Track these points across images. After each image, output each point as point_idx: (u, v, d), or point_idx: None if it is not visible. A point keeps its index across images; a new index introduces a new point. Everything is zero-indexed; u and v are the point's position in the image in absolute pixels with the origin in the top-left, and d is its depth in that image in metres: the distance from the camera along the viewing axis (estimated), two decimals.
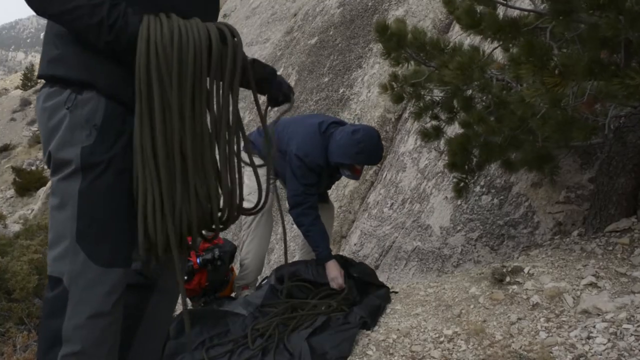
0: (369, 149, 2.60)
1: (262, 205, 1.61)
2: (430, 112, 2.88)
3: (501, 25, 1.90)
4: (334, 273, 2.58)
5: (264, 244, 2.88)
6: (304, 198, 2.65)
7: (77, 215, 1.29)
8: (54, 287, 1.32)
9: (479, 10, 2.05)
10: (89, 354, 1.30)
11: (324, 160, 2.66)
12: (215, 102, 1.38)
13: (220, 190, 1.41)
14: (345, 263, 2.72)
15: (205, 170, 1.36)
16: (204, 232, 1.45)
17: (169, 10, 1.31)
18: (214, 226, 1.43)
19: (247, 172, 2.98)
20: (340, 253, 4.54)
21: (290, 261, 2.63)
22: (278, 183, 3.17)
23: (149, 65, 1.24)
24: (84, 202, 1.29)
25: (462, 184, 2.89)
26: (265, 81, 1.71)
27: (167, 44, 1.25)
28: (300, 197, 2.65)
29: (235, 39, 1.37)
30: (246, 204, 2.97)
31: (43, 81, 1.39)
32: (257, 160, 2.95)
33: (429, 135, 2.94)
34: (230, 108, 1.40)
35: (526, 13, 2.17)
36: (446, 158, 2.88)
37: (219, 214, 1.43)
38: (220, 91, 1.36)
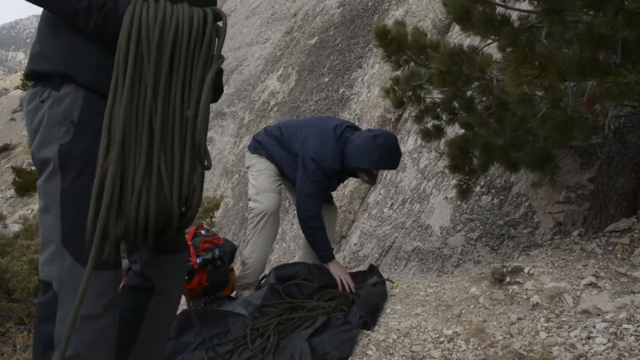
0: (389, 154, 2.65)
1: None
2: (431, 113, 2.89)
3: (490, 18, 1.90)
4: (338, 272, 2.62)
5: (269, 244, 2.88)
6: (315, 201, 2.68)
7: (61, 218, 1.27)
8: (45, 292, 1.30)
9: (477, 10, 2.05)
10: (83, 357, 1.28)
11: (340, 165, 2.68)
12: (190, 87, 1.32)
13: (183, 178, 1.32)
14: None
15: (173, 150, 1.30)
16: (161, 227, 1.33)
17: None
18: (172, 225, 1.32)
19: (254, 173, 2.98)
20: (341, 253, 4.55)
21: (290, 261, 2.65)
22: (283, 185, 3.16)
23: (130, 39, 1.22)
24: (67, 203, 1.27)
25: (464, 186, 2.89)
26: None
27: (151, 21, 1.24)
28: (313, 200, 2.68)
29: (221, 22, 1.35)
30: (252, 204, 2.98)
31: (30, 80, 1.38)
32: (263, 162, 2.95)
33: (430, 135, 2.95)
34: (204, 92, 1.33)
35: (526, 14, 2.17)
36: (446, 159, 2.88)
37: (179, 205, 1.32)
38: (196, 71, 1.31)
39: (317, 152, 2.65)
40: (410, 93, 2.76)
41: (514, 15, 2.17)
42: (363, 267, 3.96)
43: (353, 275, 2.76)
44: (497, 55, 2.65)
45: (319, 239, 2.71)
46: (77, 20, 1.24)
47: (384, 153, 2.61)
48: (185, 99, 1.30)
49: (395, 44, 2.49)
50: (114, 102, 1.22)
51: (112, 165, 1.20)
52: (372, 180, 2.82)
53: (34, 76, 1.33)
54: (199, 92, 1.31)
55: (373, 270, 2.75)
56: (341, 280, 2.61)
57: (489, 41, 2.14)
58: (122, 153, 1.22)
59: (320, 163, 2.64)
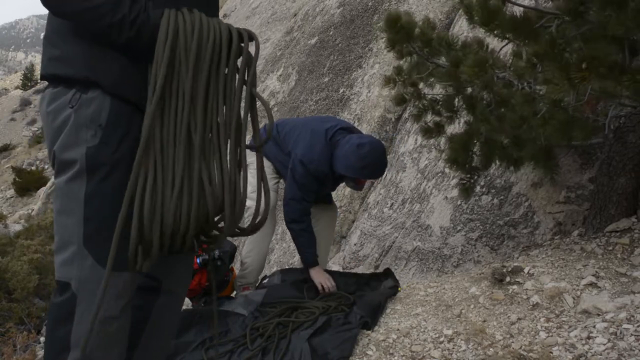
0: (373, 165, 2.59)
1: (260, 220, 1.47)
2: (432, 110, 2.87)
3: (516, 23, 1.88)
4: (319, 278, 2.60)
5: (266, 242, 2.89)
6: (299, 204, 2.67)
7: (84, 219, 1.26)
8: (62, 292, 1.29)
9: (491, 5, 2.03)
10: (96, 359, 1.29)
11: (329, 168, 2.66)
12: (227, 99, 1.34)
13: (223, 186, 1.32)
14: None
15: (213, 161, 1.30)
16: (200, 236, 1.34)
17: (175, 6, 1.30)
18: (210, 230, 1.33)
19: (252, 171, 2.98)
20: (341, 253, 4.55)
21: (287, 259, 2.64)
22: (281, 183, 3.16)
23: (166, 51, 1.23)
24: (91, 205, 1.26)
25: (467, 184, 2.88)
26: None
27: (188, 32, 1.25)
28: (296, 204, 2.66)
29: (254, 41, 1.37)
30: (249, 202, 2.98)
31: (44, 81, 1.37)
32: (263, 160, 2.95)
33: (430, 131, 2.92)
34: (242, 105, 1.36)
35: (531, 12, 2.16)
36: (446, 153, 2.86)
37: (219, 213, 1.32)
38: (232, 85, 1.33)
39: (305, 155, 2.63)
40: (412, 89, 2.75)
41: (518, 13, 2.17)
42: (363, 269, 3.96)
43: (367, 278, 2.72)
44: (496, 50, 2.64)
45: (299, 242, 2.69)
46: (110, 33, 1.24)
47: (368, 163, 2.55)
48: (225, 111, 1.31)
49: (404, 32, 2.47)
50: (152, 115, 1.22)
51: (150, 169, 1.21)
52: (358, 187, 2.80)
53: (54, 79, 1.33)
54: (238, 106, 1.33)
55: (389, 274, 2.73)
56: (322, 287, 2.57)
57: (504, 42, 2.13)
58: (161, 160, 1.23)
59: (308, 165, 2.62)
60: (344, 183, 2.96)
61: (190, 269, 1.67)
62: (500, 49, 2.28)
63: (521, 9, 2.11)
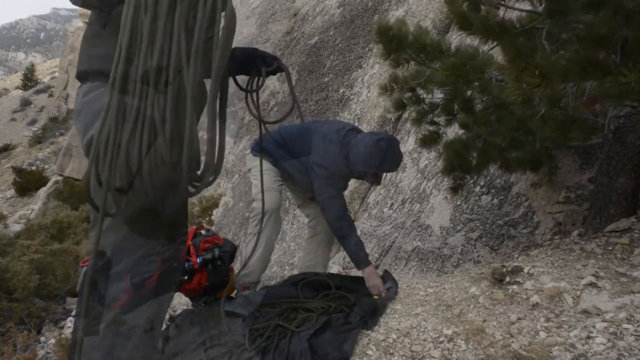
0: (392, 158, 2.68)
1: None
2: (430, 116, 2.89)
3: (490, 26, 1.92)
4: (374, 281, 2.58)
5: (270, 243, 2.90)
6: (337, 201, 2.71)
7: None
8: (99, 260, 1.44)
9: (482, 9, 2.06)
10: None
11: (346, 167, 2.72)
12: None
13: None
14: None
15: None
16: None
17: None
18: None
19: (255, 174, 3.00)
20: (341, 253, 4.55)
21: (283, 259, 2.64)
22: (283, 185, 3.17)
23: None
24: None
25: (457, 182, 2.90)
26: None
27: None
28: (335, 200, 2.70)
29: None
30: (254, 204, 3.00)
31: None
32: (265, 163, 2.96)
33: (428, 141, 2.96)
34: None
35: (525, 13, 2.17)
36: (443, 162, 2.89)
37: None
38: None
39: (324, 160, 2.71)
40: (410, 94, 2.76)
41: (514, 15, 2.17)
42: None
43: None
44: (498, 55, 2.65)
45: (351, 241, 2.66)
46: None
47: (388, 158, 2.64)
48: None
49: (396, 41, 2.49)
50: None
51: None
52: (377, 181, 2.86)
53: (94, 74, 1.48)
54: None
55: (388, 276, 2.73)
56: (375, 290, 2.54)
57: (492, 44, 2.15)
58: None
59: (328, 168, 2.70)
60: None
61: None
62: (489, 50, 2.28)
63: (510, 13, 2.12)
